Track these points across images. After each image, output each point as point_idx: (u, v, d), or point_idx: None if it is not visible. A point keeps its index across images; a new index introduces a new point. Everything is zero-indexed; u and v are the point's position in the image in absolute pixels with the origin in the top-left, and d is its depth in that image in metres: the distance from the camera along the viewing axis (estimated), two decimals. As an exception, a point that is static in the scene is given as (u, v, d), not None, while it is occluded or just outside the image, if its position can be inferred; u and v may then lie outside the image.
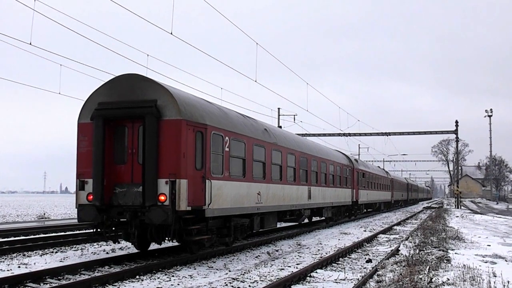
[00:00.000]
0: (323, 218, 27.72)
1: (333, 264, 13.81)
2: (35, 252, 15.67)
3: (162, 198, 12.38)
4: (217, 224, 14.64)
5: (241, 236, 16.38)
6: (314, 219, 28.62)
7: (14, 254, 15.14)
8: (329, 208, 27.43)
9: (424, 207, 64.71)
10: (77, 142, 13.70)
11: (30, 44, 17.05)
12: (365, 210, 40.75)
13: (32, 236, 20.19)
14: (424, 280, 9.79)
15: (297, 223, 26.02)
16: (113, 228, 13.51)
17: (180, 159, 12.49)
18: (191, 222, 13.16)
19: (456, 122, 53.00)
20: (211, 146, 13.75)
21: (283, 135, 21.19)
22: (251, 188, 16.32)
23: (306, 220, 27.74)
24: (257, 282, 11.07)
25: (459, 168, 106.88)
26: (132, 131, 13.21)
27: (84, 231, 22.58)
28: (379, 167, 56.99)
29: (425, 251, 14.52)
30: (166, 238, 13.39)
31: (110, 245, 17.62)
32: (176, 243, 15.08)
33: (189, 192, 12.66)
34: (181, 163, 12.49)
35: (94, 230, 13.61)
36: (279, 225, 23.19)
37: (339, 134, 52.85)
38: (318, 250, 17.22)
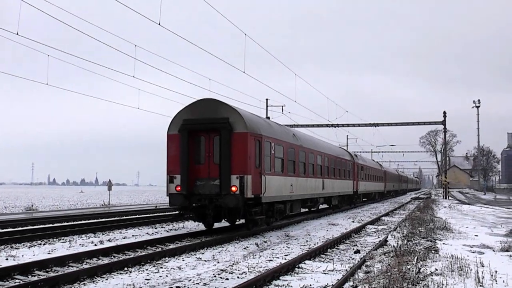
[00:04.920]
0: (330, 205, 31.96)
1: (322, 255, 13.84)
2: (23, 244, 15.58)
3: (233, 188, 16.72)
4: (266, 208, 18.74)
5: (279, 217, 20.87)
6: (321, 206, 30.63)
7: (2, 246, 15.04)
8: (336, 197, 31.99)
9: (412, 198, 65.02)
10: (167, 148, 18.14)
11: (17, 34, 16.85)
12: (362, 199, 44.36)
13: (20, 228, 20.07)
14: (412, 271, 9.82)
15: (313, 209, 29.42)
16: (192, 211, 17.74)
17: (247, 160, 16.91)
18: (252, 206, 17.38)
19: (444, 113, 53.23)
20: (264, 150, 18.20)
21: (305, 138, 26.20)
22: (287, 181, 20.82)
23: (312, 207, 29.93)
24: (246, 273, 11.06)
25: (447, 158, 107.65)
26: (208, 140, 17.57)
27: (72, 223, 22.49)
28: (373, 160, 59.33)
29: (413, 242, 14.56)
30: (224, 219, 18.35)
31: (98, 237, 17.61)
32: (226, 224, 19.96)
33: (252, 184, 17.02)
34: (247, 164, 16.90)
35: (179, 212, 18.14)
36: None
37: (327, 125, 52.85)
38: (307, 241, 17.26)
